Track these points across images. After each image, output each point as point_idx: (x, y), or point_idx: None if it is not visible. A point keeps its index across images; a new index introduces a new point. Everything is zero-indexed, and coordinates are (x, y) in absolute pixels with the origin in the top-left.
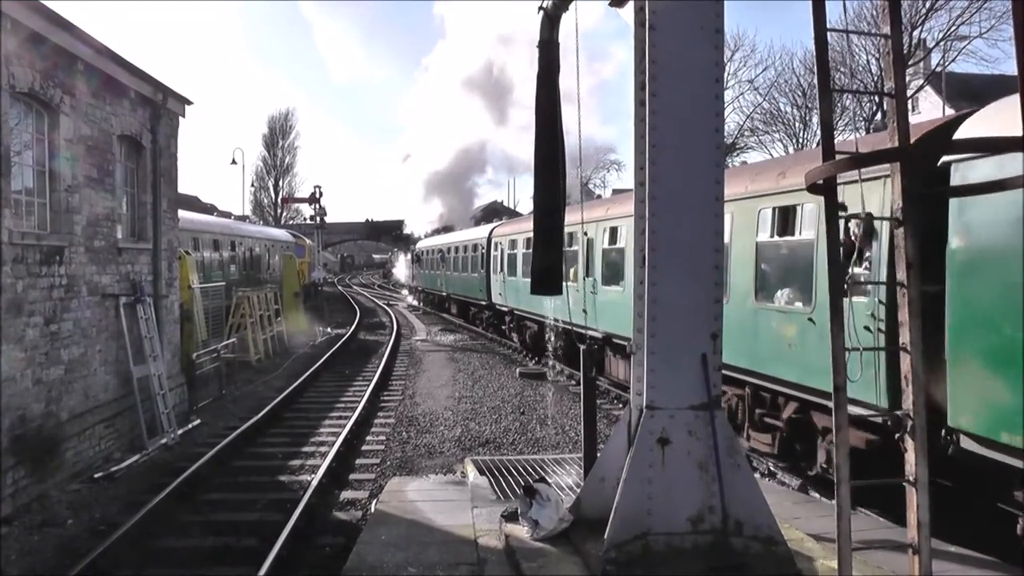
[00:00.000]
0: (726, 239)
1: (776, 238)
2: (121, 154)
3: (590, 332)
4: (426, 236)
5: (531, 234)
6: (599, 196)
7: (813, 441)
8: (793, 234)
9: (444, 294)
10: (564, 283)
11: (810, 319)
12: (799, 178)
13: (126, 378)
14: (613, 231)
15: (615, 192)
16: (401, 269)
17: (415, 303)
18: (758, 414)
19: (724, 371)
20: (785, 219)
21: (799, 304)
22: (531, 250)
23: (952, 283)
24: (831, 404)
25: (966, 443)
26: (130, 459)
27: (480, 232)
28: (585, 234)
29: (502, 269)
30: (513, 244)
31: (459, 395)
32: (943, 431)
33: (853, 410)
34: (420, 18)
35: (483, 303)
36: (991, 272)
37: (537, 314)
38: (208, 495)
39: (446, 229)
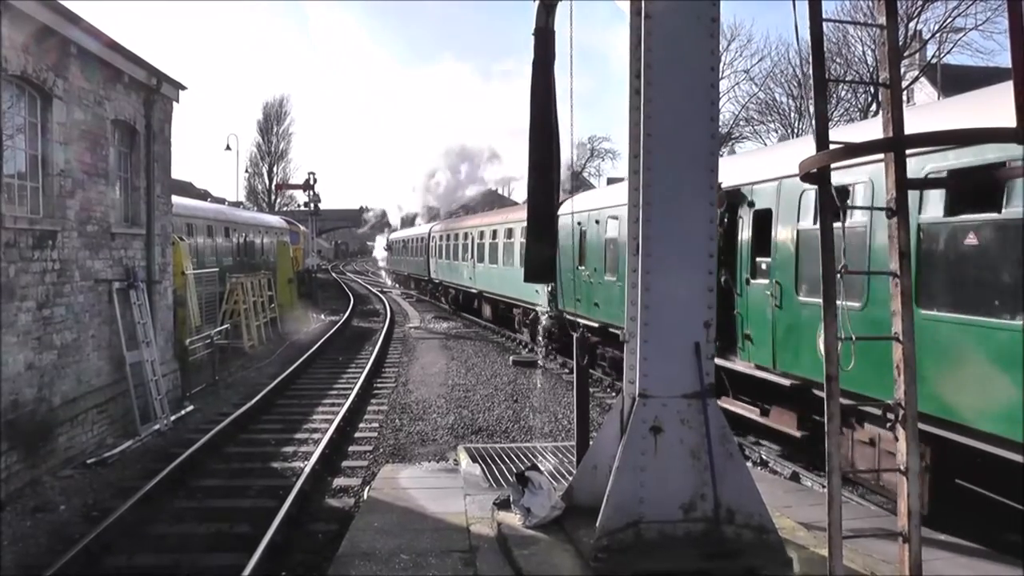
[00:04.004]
0: (511, 241)
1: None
2: (115, 139)
3: (472, 290)
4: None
5: (452, 231)
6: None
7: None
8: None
9: (406, 273)
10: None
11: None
12: (520, 214)
13: (119, 364)
14: (494, 232)
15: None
16: (379, 253)
17: (389, 282)
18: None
19: (518, 300)
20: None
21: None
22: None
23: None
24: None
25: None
26: (123, 445)
27: (424, 229)
28: (466, 234)
29: (435, 254)
30: (441, 238)
31: (452, 382)
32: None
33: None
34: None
35: (426, 278)
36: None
37: (453, 283)
38: (201, 481)
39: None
